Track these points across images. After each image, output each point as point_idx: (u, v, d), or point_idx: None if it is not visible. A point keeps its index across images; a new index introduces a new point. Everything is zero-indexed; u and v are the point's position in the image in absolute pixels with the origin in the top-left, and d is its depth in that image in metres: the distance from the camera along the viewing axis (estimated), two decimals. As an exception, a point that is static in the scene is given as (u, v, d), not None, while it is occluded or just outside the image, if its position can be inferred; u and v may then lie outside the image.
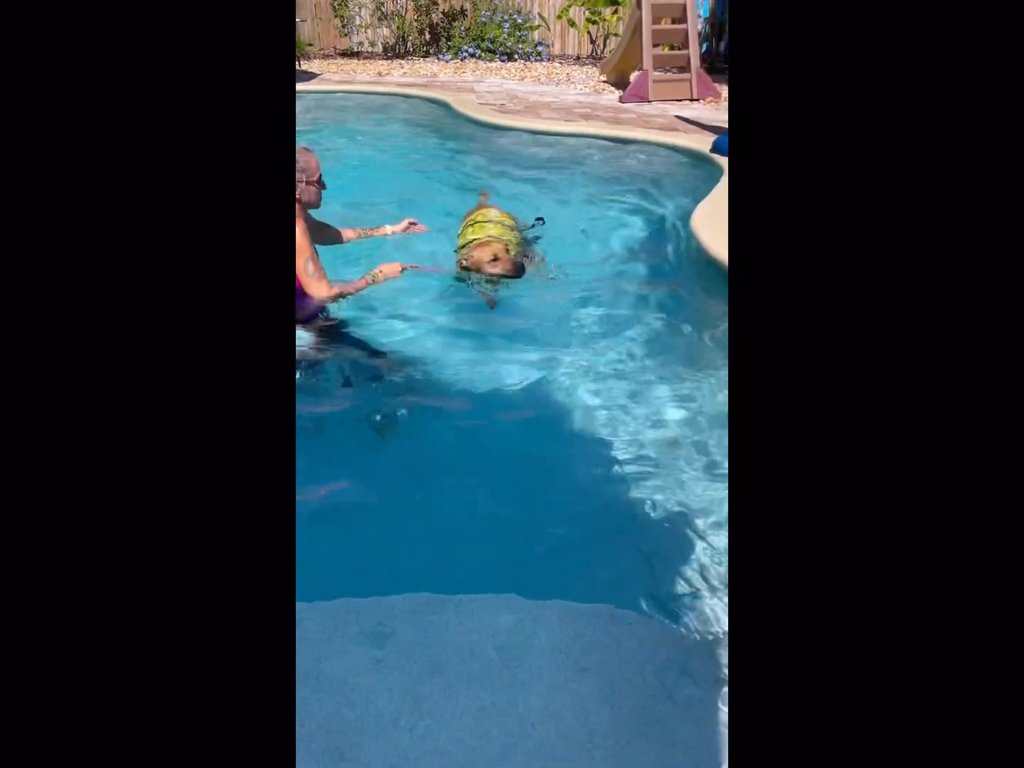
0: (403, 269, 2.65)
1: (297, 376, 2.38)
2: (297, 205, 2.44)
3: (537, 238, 3.47)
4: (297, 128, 6.64)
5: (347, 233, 3.04)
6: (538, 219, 3.52)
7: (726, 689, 1.31)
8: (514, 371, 2.48)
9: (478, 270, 2.88)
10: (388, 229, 3.17)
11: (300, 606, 1.45)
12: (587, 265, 3.37)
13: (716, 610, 1.50)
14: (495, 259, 2.84)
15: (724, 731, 1.24)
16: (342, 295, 2.53)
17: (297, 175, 2.43)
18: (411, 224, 3.17)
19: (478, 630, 1.41)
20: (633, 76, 8.04)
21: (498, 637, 1.39)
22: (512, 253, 2.94)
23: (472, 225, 3.12)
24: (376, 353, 2.54)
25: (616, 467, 1.99)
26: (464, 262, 2.91)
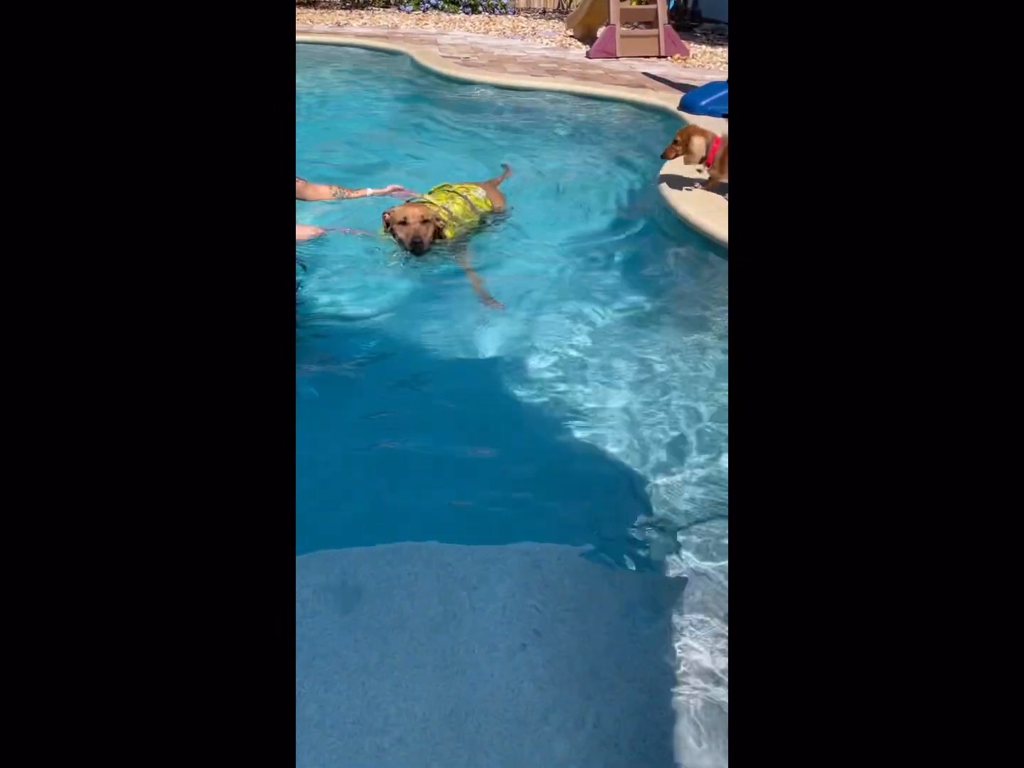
0: (322, 232, 2.58)
1: None
2: None
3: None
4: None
5: (322, 190, 2.92)
6: (503, 165, 3.46)
7: (691, 622, 1.35)
8: (477, 327, 2.46)
9: (387, 223, 2.74)
10: (368, 191, 3.06)
11: None
12: (551, 222, 3.34)
13: (682, 549, 1.53)
14: (404, 222, 2.68)
15: (679, 667, 1.28)
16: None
17: None
18: (395, 190, 3.06)
19: (447, 577, 1.41)
20: (600, 31, 7.88)
21: (468, 583, 1.40)
22: (444, 229, 2.78)
23: (445, 191, 3.02)
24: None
25: (579, 415, 2.00)
26: (387, 213, 2.78)
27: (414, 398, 2.12)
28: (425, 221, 2.68)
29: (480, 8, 10.73)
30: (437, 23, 9.72)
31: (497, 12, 10.73)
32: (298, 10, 10.39)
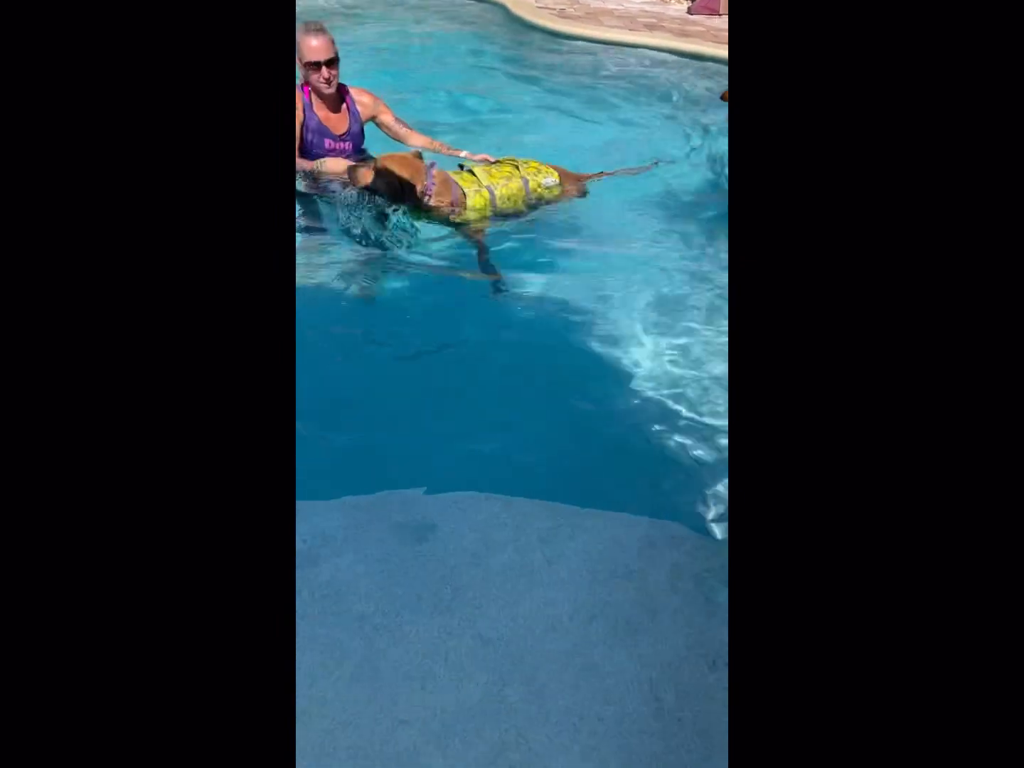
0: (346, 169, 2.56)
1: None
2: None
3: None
4: (336, 22, 6.39)
5: (418, 139, 2.91)
6: (655, 162, 3.31)
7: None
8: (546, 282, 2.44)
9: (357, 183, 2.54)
10: (463, 153, 3.03)
11: (332, 503, 1.50)
12: (638, 190, 3.23)
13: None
14: (369, 170, 2.46)
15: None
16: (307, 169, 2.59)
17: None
18: (484, 159, 2.94)
19: (523, 527, 1.44)
20: (705, -15, 7.47)
21: (541, 536, 1.43)
22: (462, 206, 2.53)
23: (511, 165, 2.77)
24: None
25: (654, 383, 1.97)
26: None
27: (492, 353, 2.14)
28: (423, 175, 2.46)
29: (579, -43, 10.32)
30: (534, -28, 9.43)
31: (596, -38, 10.31)
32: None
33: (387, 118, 2.80)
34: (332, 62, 2.47)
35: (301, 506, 1.43)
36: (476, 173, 2.67)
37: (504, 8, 6.88)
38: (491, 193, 2.62)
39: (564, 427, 1.82)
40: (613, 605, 1.31)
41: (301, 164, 2.60)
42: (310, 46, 2.44)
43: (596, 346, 2.13)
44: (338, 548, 1.39)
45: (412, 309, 2.35)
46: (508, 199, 2.69)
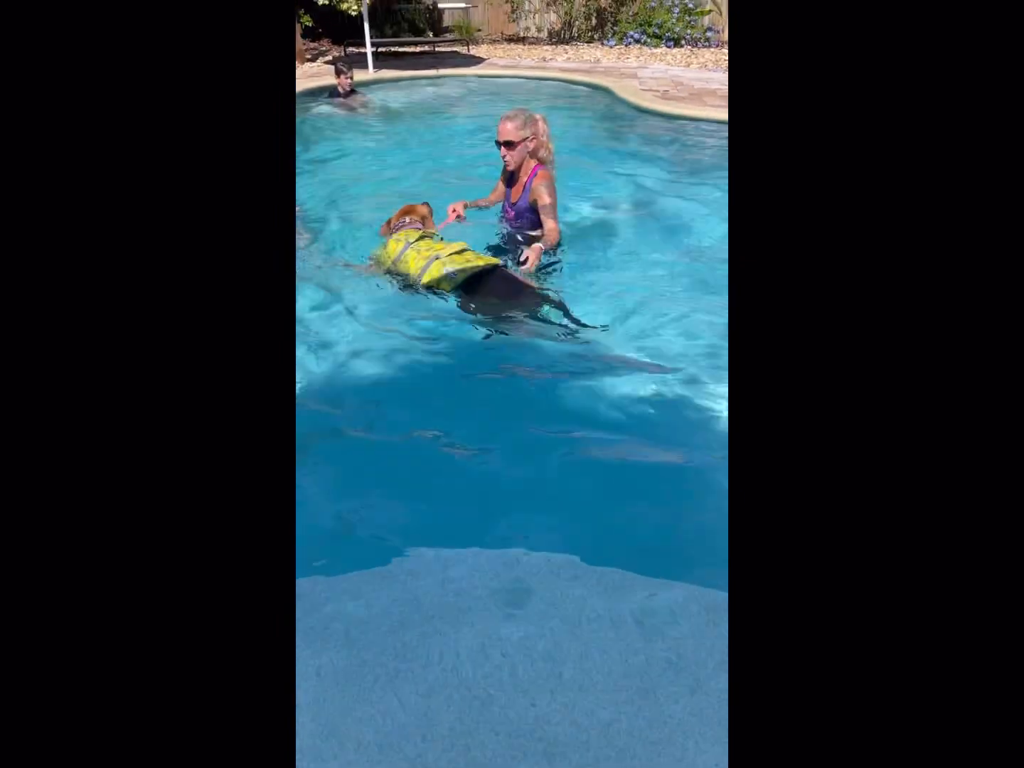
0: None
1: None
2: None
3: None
4: (458, 109, 6.86)
5: (548, 223, 3.15)
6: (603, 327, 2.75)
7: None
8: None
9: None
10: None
11: (433, 551, 1.54)
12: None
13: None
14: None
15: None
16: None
17: (531, 140, 2.89)
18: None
19: (618, 599, 1.42)
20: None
21: (635, 609, 1.40)
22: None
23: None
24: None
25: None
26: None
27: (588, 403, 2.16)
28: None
29: (683, 42, 10.73)
30: (639, 57, 9.87)
31: (700, 45, 10.66)
32: (507, 46, 11.09)
33: (542, 200, 2.94)
34: (507, 144, 2.90)
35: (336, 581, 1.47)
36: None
37: (611, 92, 7.21)
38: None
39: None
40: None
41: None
42: (499, 127, 2.89)
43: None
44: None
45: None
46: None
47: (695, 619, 1.40)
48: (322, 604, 1.45)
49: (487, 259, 2.71)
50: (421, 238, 2.81)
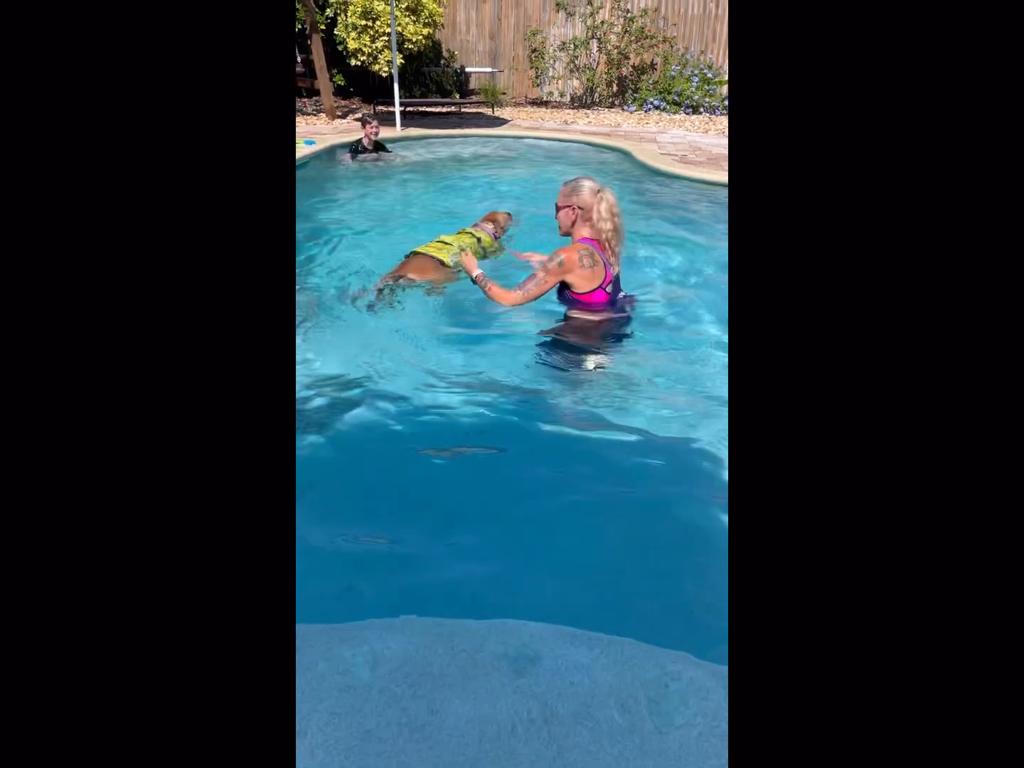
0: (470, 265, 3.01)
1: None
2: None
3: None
4: (486, 168, 7.06)
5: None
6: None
7: None
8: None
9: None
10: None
11: (431, 621, 1.49)
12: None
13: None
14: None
15: None
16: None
17: (574, 208, 2.74)
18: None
19: (629, 676, 1.35)
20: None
21: (648, 689, 1.33)
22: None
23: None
24: None
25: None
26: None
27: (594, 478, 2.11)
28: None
29: (701, 109, 11.05)
30: (658, 122, 10.16)
31: (718, 113, 10.97)
32: (531, 109, 11.49)
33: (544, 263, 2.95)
34: (555, 206, 2.74)
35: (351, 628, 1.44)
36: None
37: (628, 154, 7.40)
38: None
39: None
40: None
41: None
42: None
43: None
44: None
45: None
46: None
47: (710, 698, 1.32)
48: (316, 664, 1.39)
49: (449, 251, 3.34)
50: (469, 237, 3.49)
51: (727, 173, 6.30)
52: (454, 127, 9.20)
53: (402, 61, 10.01)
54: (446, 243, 3.45)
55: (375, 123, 6.50)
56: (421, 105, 10.84)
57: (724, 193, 5.82)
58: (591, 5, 11.26)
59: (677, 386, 2.68)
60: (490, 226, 3.72)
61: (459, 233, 3.60)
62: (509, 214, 3.82)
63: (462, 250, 3.02)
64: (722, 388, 2.55)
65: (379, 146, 6.72)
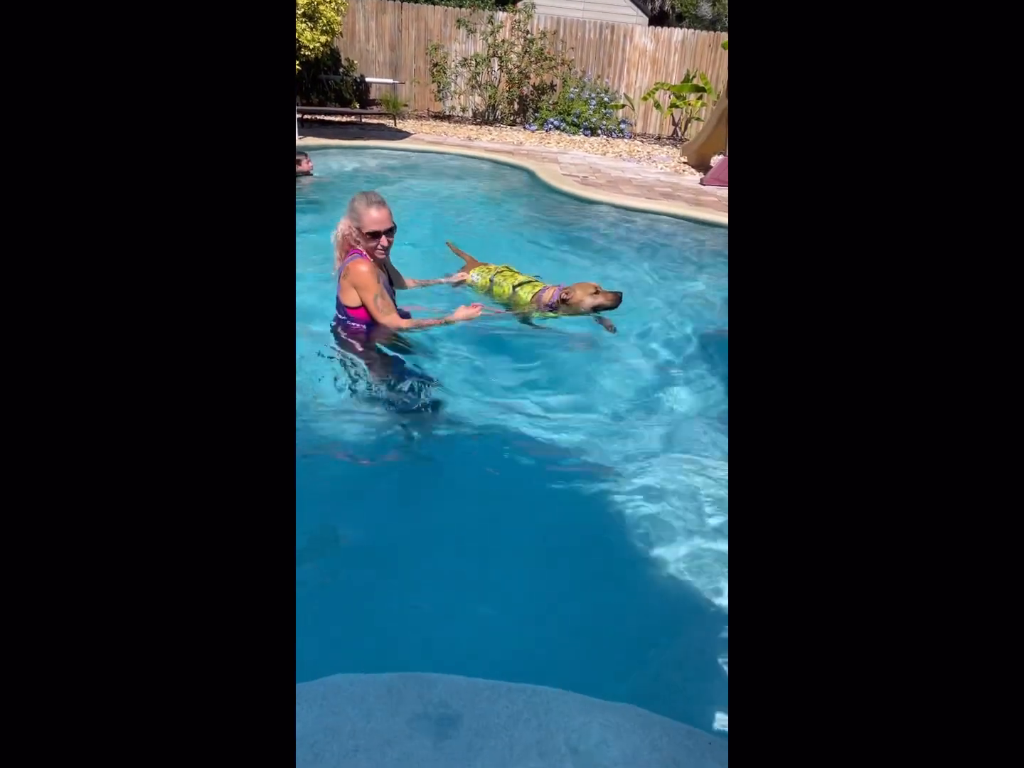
0: (480, 313, 2.76)
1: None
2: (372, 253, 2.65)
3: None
4: (387, 183, 6.93)
5: (409, 282, 3.14)
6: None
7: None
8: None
9: (578, 304, 3.23)
10: (443, 280, 3.42)
11: (350, 676, 1.41)
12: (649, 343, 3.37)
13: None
14: (596, 292, 3.24)
15: None
16: (417, 326, 2.76)
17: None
18: (460, 281, 3.48)
19: (549, 727, 1.32)
20: (715, 160, 8.17)
21: (570, 737, 1.30)
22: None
23: (500, 273, 3.50)
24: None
25: (690, 566, 1.89)
26: (566, 297, 3.23)
27: (510, 521, 2.09)
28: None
29: (599, 131, 11.43)
30: (559, 142, 10.41)
31: (615, 136, 11.40)
32: (433, 122, 11.45)
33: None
34: (391, 231, 2.58)
35: (302, 689, 1.35)
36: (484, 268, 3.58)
37: (532, 173, 7.51)
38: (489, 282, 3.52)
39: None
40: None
41: (420, 321, 2.76)
42: (372, 217, 2.50)
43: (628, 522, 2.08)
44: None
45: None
46: (497, 295, 3.48)
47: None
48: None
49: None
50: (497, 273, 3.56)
51: (626, 196, 6.56)
52: (355, 138, 8.99)
53: (298, 68, 9.68)
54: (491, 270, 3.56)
55: (309, 162, 6.41)
56: (319, 113, 10.52)
57: (628, 216, 6.03)
58: (491, 24, 11.40)
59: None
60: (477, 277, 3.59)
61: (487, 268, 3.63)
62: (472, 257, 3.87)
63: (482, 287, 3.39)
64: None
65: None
